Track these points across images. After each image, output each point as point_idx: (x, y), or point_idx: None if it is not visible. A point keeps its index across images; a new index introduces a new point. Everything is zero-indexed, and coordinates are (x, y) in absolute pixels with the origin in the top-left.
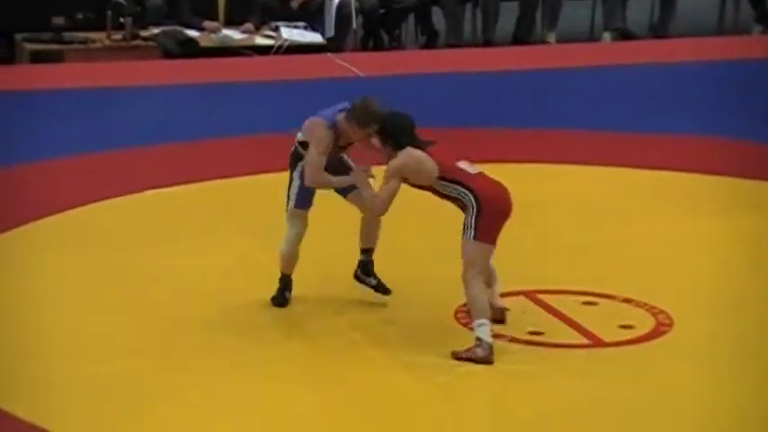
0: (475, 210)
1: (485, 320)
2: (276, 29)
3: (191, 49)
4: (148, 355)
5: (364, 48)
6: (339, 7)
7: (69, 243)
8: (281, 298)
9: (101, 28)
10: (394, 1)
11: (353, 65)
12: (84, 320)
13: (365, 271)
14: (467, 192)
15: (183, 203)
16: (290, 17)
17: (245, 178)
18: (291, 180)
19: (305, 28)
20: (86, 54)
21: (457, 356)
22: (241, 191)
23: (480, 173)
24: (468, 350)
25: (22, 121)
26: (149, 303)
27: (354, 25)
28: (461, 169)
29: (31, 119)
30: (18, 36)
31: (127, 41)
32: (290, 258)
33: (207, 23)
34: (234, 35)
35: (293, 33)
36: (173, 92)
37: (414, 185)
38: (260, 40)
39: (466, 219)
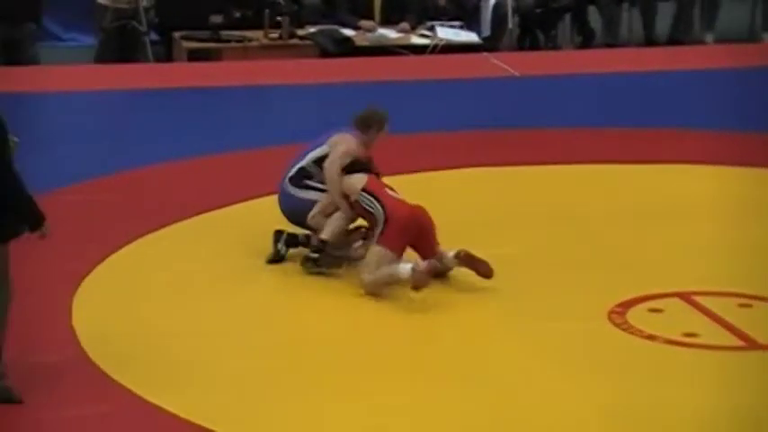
0: (382, 222)
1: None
2: (432, 28)
3: (346, 48)
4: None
5: (520, 47)
6: (495, 7)
7: (223, 239)
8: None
9: (258, 27)
10: (550, 0)
11: (509, 64)
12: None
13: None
14: (380, 207)
15: None
16: (446, 16)
17: (411, 176)
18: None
19: (460, 27)
20: (243, 52)
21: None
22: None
23: (400, 199)
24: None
25: (178, 118)
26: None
27: (510, 25)
28: (384, 190)
29: (188, 116)
30: (176, 34)
31: (284, 40)
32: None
33: (363, 23)
34: (389, 34)
35: (449, 33)
36: (329, 90)
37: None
38: (415, 40)
39: (374, 230)
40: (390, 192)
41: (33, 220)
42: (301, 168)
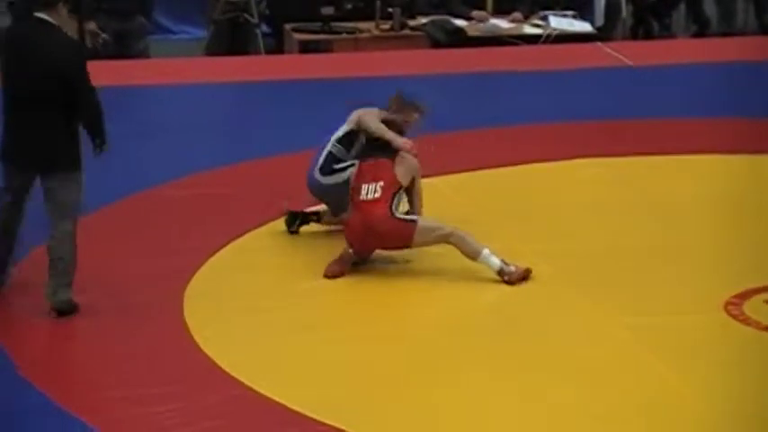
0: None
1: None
2: (544, 18)
3: (458, 39)
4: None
5: (634, 36)
6: None
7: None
8: None
9: (369, 18)
10: None
11: (623, 54)
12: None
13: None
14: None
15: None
16: (559, 6)
17: (520, 167)
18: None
19: (573, 17)
20: (354, 44)
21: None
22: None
23: (364, 201)
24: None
25: (289, 111)
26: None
27: (624, 14)
28: (357, 191)
29: (300, 108)
30: (287, 26)
31: (395, 31)
32: None
33: (475, 13)
34: (502, 24)
35: (562, 22)
36: (441, 81)
37: None
38: (528, 30)
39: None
40: (365, 187)
41: (102, 136)
42: (329, 154)
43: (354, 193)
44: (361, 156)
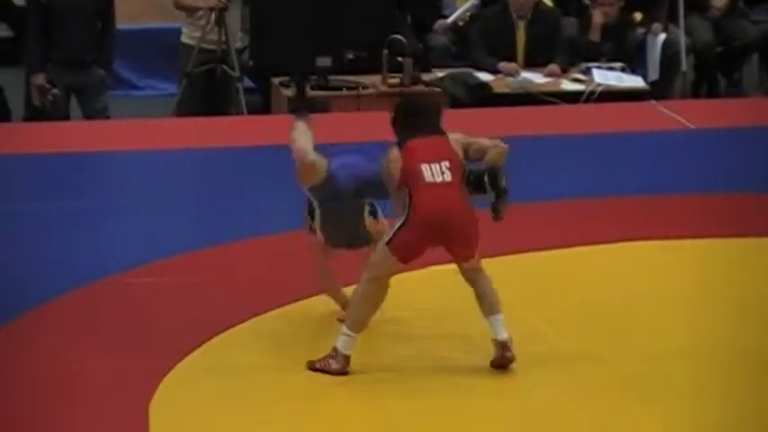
0: (404, 218)
1: (353, 334)
2: (587, 71)
3: (483, 96)
4: None
5: (695, 94)
6: (665, 45)
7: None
8: None
9: (374, 71)
10: (733, 38)
11: (682, 115)
12: None
13: None
14: (408, 201)
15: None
16: (604, 57)
17: (561, 251)
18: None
19: (622, 70)
20: (356, 102)
21: (312, 367)
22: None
23: (435, 183)
24: (322, 360)
25: (277, 181)
26: None
27: (684, 67)
28: (419, 174)
29: (289, 179)
30: (275, 80)
31: (406, 87)
32: None
33: (503, 65)
34: (535, 79)
35: (608, 76)
36: None
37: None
38: (567, 85)
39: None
40: (427, 170)
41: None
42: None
43: (411, 177)
44: (404, 132)
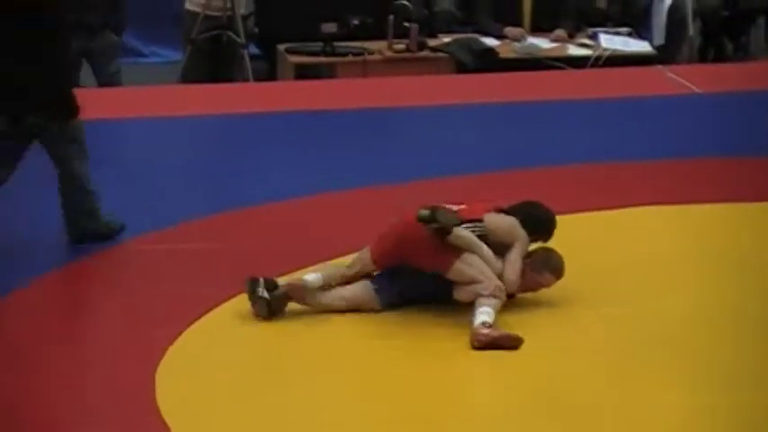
0: None
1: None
2: (594, 36)
3: (489, 62)
4: None
5: (702, 59)
6: (671, 10)
7: None
8: None
9: (380, 36)
10: (740, 2)
11: (689, 79)
12: None
13: None
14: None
15: None
16: (611, 22)
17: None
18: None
19: (629, 35)
20: (362, 68)
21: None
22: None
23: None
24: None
25: (283, 148)
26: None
27: (691, 31)
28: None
29: (296, 145)
30: (280, 47)
31: (412, 52)
32: None
33: (509, 30)
34: (541, 44)
35: (614, 41)
36: (467, 113)
37: None
38: (574, 50)
39: None
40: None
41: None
42: None
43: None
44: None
